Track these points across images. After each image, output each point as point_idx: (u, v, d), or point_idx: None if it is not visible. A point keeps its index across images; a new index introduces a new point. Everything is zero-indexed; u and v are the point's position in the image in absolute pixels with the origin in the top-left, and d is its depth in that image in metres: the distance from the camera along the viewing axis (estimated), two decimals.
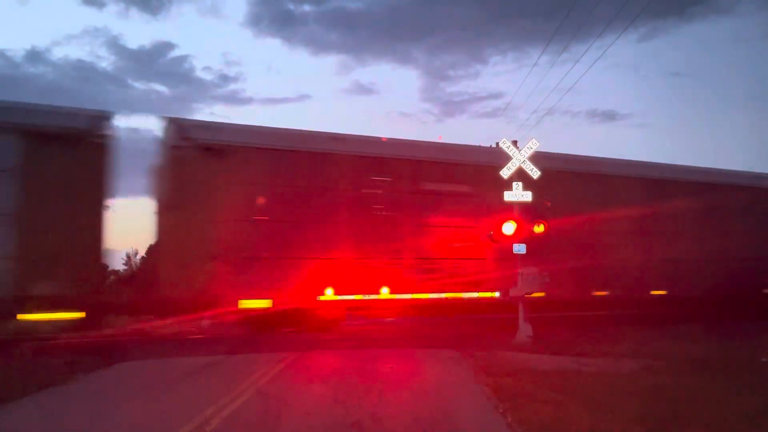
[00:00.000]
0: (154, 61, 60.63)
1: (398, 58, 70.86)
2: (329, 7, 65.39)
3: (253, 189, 12.89)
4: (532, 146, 13.06)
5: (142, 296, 13.21)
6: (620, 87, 77.47)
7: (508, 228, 12.63)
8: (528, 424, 5.97)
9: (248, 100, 65.40)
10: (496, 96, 69.65)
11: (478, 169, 14.59)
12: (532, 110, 65.16)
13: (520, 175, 12.94)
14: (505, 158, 13.03)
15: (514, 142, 13.24)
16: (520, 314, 12.80)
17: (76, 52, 67.66)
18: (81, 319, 11.29)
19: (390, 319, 15.80)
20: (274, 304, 12.66)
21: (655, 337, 12.62)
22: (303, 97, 79.38)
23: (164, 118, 12.75)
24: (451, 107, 69.27)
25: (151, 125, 12.60)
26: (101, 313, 12.30)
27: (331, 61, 75.13)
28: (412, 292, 13.95)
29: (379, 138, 14.91)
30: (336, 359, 10.49)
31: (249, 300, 12.45)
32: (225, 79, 65.64)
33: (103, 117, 11.90)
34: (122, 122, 11.41)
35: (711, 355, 10.17)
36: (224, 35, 78.80)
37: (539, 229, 12.89)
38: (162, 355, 10.87)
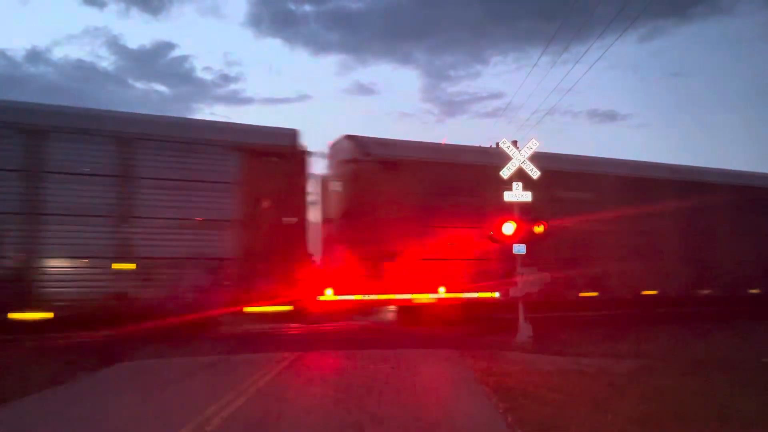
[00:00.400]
0: (155, 61, 60.60)
1: (399, 58, 70.88)
2: (330, 7, 65.39)
3: (421, 197, 14.17)
4: (532, 146, 13.07)
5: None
6: (621, 87, 77.51)
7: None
8: (528, 425, 5.97)
9: (249, 100, 65.38)
10: (496, 96, 69.56)
11: (597, 178, 16.42)
12: (533, 110, 65.15)
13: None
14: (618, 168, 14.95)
15: (514, 143, 13.26)
16: (521, 314, 12.79)
17: (76, 52, 67.65)
18: (289, 312, 12.91)
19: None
20: (438, 299, 14.06)
21: (656, 337, 12.62)
22: (303, 97, 79.30)
23: (346, 135, 14.33)
24: (452, 107, 69.21)
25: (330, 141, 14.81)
26: (304, 306, 13.51)
27: (331, 61, 75.15)
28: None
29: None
30: (336, 359, 10.49)
31: (419, 294, 14.01)
32: (225, 79, 65.71)
33: (298, 134, 13.47)
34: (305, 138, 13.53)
35: (710, 355, 10.18)
36: (225, 35, 78.70)
37: (539, 229, 12.84)
38: (162, 355, 10.88)
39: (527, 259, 12.77)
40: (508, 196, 13.02)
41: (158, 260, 11.91)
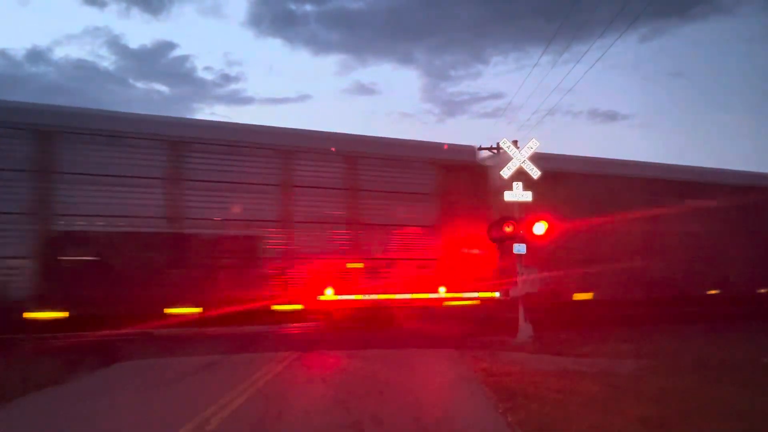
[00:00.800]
0: (156, 60, 60.49)
1: (399, 58, 70.74)
2: (330, 7, 65.32)
3: (578, 204, 15.28)
4: (532, 146, 13.14)
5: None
6: (621, 87, 77.37)
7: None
8: (528, 424, 5.96)
9: (249, 100, 65.32)
10: (497, 96, 69.39)
11: (716, 188, 17.70)
12: (533, 110, 65.18)
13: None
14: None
15: (515, 143, 13.32)
16: (521, 314, 12.80)
17: (77, 51, 67.35)
18: (478, 306, 14.38)
19: None
20: (594, 296, 15.45)
21: (656, 337, 12.60)
22: (304, 97, 79.14)
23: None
24: (452, 107, 69.09)
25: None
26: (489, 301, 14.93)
27: (332, 61, 74.94)
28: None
29: (646, 162, 17.91)
30: (336, 359, 10.49)
31: (578, 293, 15.40)
32: (226, 79, 65.54)
33: (478, 150, 15.65)
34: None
35: (711, 356, 10.16)
36: (225, 35, 78.40)
37: (540, 229, 12.80)
38: (162, 355, 10.88)
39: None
40: (509, 196, 13.08)
41: (379, 260, 13.82)
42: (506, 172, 13.15)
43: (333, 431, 5.99)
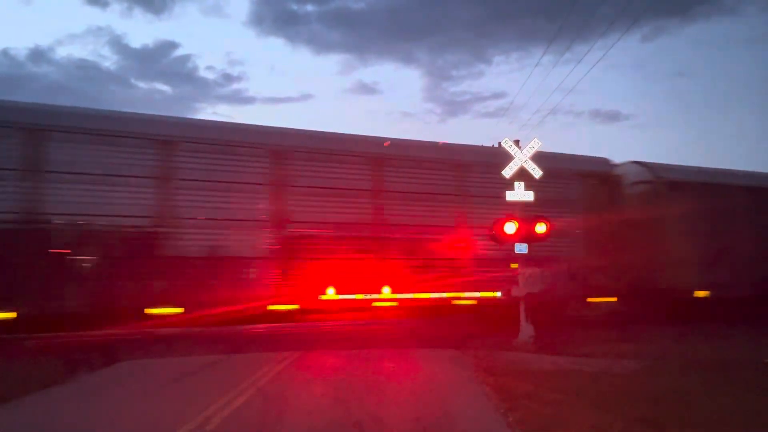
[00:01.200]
0: (158, 60, 60.73)
1: (401, 57, 70.86)
2: (332, 6, 65.42)
3: (694, 211, 16.47)
4: (534, 146, 13.10)
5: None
6: (623, 87, 77.38)
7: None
8: (529, 424, 5.95)
9: (251, 100, 65.52)
10: (499, 96, 69.50)
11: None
12: (535, 110, 65.18)
13: None
14: None
15: (516, 142, 13.28)
16: (522, 314, 12.76)
17: (79, 51, 67.67)
18: (614, 303, 15.94)
19: None
20: (710, 294, 16.59)
21: (658, 337, 12.58)
22: (306, 97, 79.31)
23: (633, 161, 17.36)
24: (454, 107, 69.19)
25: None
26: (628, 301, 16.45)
27: (333, 60, 75.12)
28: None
29: (752, 172, 19.38)
30: (337, 359, 10.48)
31: (698, 291, 16.54)
32: (228, 78, 65.74)
33: (610, 161, 17.02)
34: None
35: (712, 356, 10.13)
36: (227, 35, 78.68)
37: (541, 228, 12.78)
38: (162, 354, 10.88)
39: None
40: (510, 196, 13.04)
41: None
42: (508, 172, 13.12)
43: (334, 431, 5.98)
